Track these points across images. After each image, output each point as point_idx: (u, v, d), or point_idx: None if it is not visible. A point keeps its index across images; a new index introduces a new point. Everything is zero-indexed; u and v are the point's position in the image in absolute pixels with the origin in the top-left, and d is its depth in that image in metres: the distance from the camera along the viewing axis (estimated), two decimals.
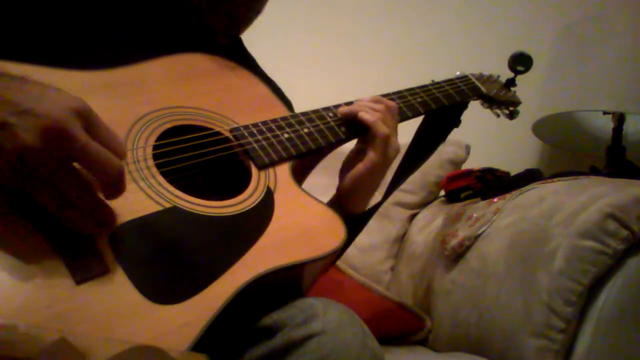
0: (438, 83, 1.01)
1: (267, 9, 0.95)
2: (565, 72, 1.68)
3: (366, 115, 0.83)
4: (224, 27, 0.89)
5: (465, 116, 1.04)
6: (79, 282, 0.55)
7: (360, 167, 0.83)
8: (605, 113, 1.65)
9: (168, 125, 0.73)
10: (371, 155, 0.82)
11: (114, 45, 0.81)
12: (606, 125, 1.71)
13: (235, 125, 0.78)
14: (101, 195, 0.57)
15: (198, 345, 0.56)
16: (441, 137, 1.02)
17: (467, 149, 1.55)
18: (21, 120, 0.51)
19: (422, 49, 1.92)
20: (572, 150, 1.85)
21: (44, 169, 0.53)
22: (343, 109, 0.85)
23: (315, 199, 0.76)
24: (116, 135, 0.58)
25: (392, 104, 0.87)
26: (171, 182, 0.68)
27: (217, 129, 0.77)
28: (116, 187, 0.57)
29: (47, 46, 0.75)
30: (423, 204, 1.55)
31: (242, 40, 1.01)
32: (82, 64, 0.72)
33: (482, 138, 1.67)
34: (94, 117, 0.56)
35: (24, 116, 0.51)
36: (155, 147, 0.70)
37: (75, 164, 0.55)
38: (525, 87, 1.20)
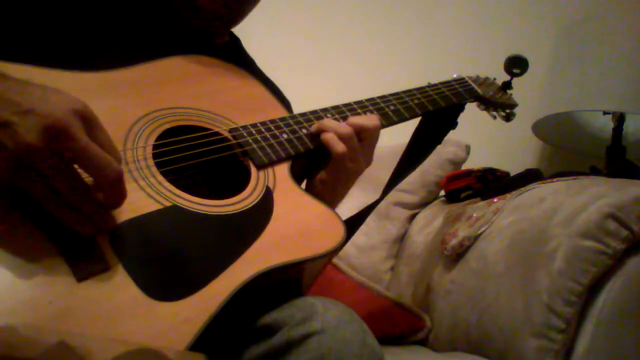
0: (435, 85, 1.01)
1: (266, 10, 0.95)
2: (565, 72, 1.69)
3: (331, 141, 0.82)
4: (219, 24, 0.89)
5: (465, 116, 1.04)
6: (80, 279, 0.55)
7: (316, 182, 0.85)
8: (605, 113, 1.65)
9: (167, 126, 0.74)
10: (325, 175, 0.84)
11: (113, 46, 0.81)
12: (606, 125, 1.71)
13: (234, 126, 0.79)
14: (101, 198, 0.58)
15: (198, 344, 0.56)
16: (438, 138, 1.02)
17: (467, 149, 1.54)
18: (23, 119, 0.52)
19: (420, 50, 1.92)
20: (572, 150, 1.85)
21: (44, 168, 0.53)
22: (314, 127, 0.84)
23: (314, 198, 0.76)
24: (113, 142, 0.58)
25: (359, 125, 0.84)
26: (171, 181, 0.68)
27: (216, 130, 0.77)
28: (114, 190, 0.57)
29: (47, 48, 0.76)
30: (423, 204, 1.55)
31: (239, 40, 1.01)
32: (82, 65, 0.73)
33: (482, 138, 1.67)
34: (94, 120, 0.56)
35: (26, 116, 0.52)
36: (155, 147, 0.70)
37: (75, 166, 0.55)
38: (525, 87, 1.20)
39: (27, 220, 0.56)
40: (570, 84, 1.65)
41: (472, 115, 1.08)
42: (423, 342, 1.24)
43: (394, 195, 1.51)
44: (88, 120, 0.55)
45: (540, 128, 1.76)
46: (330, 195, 0.86)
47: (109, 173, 0.55)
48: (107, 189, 0.57)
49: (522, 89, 1.16)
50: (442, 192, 1.53)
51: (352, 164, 0.83)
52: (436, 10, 1.95)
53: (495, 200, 1.22)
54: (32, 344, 0.47)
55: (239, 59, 0.92)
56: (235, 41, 1.00)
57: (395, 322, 1.23)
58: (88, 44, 0.79)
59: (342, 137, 0.81)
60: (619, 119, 1.62)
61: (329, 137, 0.81)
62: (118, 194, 0.58)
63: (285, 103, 0.94)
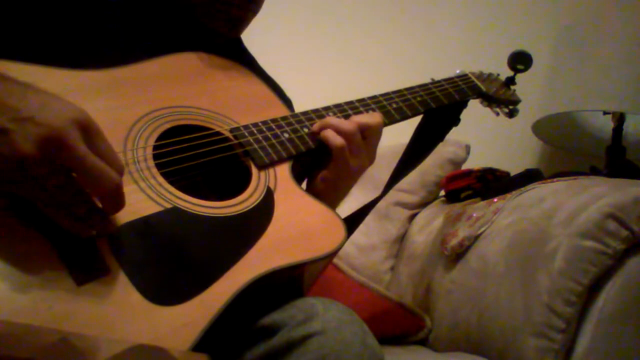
0: (438, 82, 1.01)
1: (266, 10, 0.94)
2: (565, 72, 1.69)
3: (329, 135, 0.82)
4: (220, 27, 0.89)
5: (466, 116, 1.04)
6: (80, 284, 0.55)
7: (318, 180, 0.84)
8: (605, 113, 1.65)
9: (168, 125, 0.73)
10: (327, 172, 0.84)
11: (113, 44, 0.81)
12: (606, 125, 1.71)
13: (235, 125, 0.78)
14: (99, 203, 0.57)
15: (199, 345, 0.56)
16: (440, 136, 1.02)
17: (467, 149, 1.54)
18: (21, 127, 0.51)
19: (423, 47, 1.92)
20: (572, 150, 1.85)
21: (41, 177, 0.53)
22: (316, 125, 0.84)
23: (315, 198, 0.76)
24: (114, 151, 0.58)
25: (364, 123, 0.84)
26: (171, 182, 0.68)
27: (217, 129, 0.77)
28: (113, 200, 0.57)
29: (47, 46, 0.75)
30: (423, 204, 1.55)
31: (241, 39, 1.01)
32: (82, 63, 0.72)
33: (482, 138, 1.67)
34: (94, 129, 0.55)
35: (24, 124, 0.51)
36: (155, 148, 0.70)
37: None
38: (526, 87, 1.20)
39: (27, 224, 0.56)
40: (570, 84, 1.65)
41: (472, 115, 1.07)
42: (423, 342, 1.24)
43: (394, 195, 1.51)
44: (88, 130, 0.54)
45: (540, 128, 1.76)
46: (332, 194, 0.86)
47: (106, 184, 0.55)
48: (105, 199, 0.56)
49: (522, 89, 1.15)
50: (442, 192, 1.53)
51: (355, 161, 0.83)
52: (439, 7, 1.94)
53: (495, 200, 1.22)
54: (34, 342, 0.47)
55: (240, 58, 0.92)
56: (237, 39, 1.00)
57: (395, 322, 1.23)
58: (89, 42, 0.79)
59: (343, 133, 0.81)
60: (619, 119, 1.62)
61: (327, 132, 0.81)
62: (116, 203, 0.57)
63: (286, 102, 0.94)
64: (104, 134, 0.57)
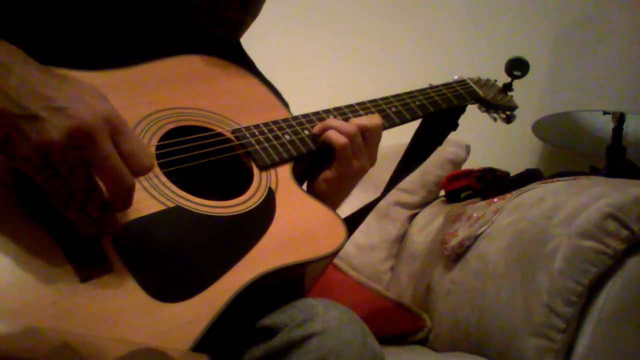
0: (436, 87, 1.02)
1: (265, 12, 0.95)
2: (565, 72, 1.69)
3: (332, 135, 0.83)
4: (220, 30, 0.90)
5: (466, 116, 1.04)
6: (83, 280, 0.56)
7: (320, 181, 0.85)
8: (605, 113, 1.65)
9: (171, 126, 0.74)
10: (329, 173, 0.84)
11: (117, 46, 0.81)
12: (606, 125, 1.71)
13: (237, 127, 0.79)
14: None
15: (200, 345, 0.56)
16: (438, 140, 1.03)
17: (467, 149, 1.55)
18: (52, 116, 0.52)
19: (421, 52, 1.92)
20: (572, 150, 1.86)
21: (61, 167, 0.53)
22: (317, 127, 0.85)
23: (316, 199, 0.77)
24: (146, 146, 0.58)
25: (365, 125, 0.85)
26: (174, 182, 0.69)
27: (219, 130, 0.78)
28: (123, 201, 0.57)
29: (49, 47, 0.75)
30: (423, 204, 1.55)
31: (240, 43, 1.01)
32: (85, 65, 0.73)
33: (482, 138, 1.67)
34: (124, 128, 0.56)
35: (55, 113, 0.52)
36: (158, 148, 0.70)
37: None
38: (525, 87, 1.20)
39: (32, 219, 0.56)
40: (570, 84, 1.65)
41: (472, 116, 1.08)
42: (423, 342, 1.24)
43: (394, 195, 1.51)
44: (117, 128, 0.55)
45: (540, 128, 1.76)
46: (334, 194, 0.87)
47: (122, 185, 0.55)
48: (116, 199, 0.57)
49: (522, 89, 1.16)
50: (442, 192, 1.54)
51: (357, 162, 0.84)
52: (437, 12, 1.95)
53: (496, 200, 1.22)
54: (35, 345, 0.47)
55: (240, 60, 0.92)
56: (236, 43, 1.01)
57: (395, 322, 1.24)
58: (92, 44, 0.79)
59: (345, 134, 0.82)
60: (619, 119, 1.62)
61: (330, 133, 0.82)
62: (125, 204, 0.58)
63: (285, 105, 0.95)
64: (134, 135, 0.57)
